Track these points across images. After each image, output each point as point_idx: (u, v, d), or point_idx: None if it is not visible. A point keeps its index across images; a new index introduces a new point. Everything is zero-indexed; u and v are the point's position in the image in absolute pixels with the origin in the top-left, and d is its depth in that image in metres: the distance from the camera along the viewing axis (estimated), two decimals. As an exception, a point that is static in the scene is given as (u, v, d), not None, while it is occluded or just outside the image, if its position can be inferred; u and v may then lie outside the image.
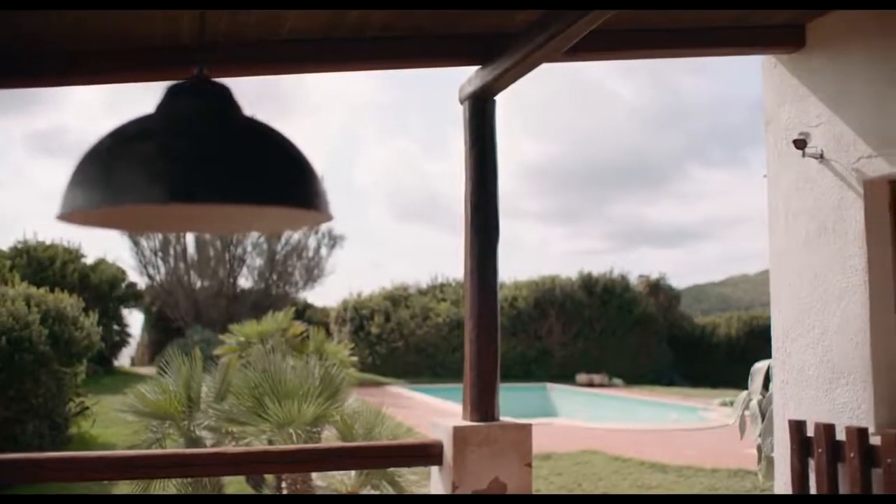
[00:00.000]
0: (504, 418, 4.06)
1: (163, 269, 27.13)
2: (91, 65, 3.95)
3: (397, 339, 27.63)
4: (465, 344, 4.14)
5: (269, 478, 6.67)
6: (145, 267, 27.01)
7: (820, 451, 4.57)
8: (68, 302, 11.16)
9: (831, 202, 4.79)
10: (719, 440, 12.11)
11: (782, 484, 4.99)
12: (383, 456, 4.39)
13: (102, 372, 19.83)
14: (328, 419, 6.11)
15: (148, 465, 3.85)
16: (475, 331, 4.08)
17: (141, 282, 26.74)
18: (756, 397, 6.25)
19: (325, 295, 52.08)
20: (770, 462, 5.63)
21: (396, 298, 28.99)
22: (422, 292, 29.82)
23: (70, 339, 10.54)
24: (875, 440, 4.31)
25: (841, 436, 4.48)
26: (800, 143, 4.91)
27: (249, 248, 28.04)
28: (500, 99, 4.22)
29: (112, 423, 10.65)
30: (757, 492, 8.09)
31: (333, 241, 29.34)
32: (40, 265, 21.01)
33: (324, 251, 29.18)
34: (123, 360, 26.20)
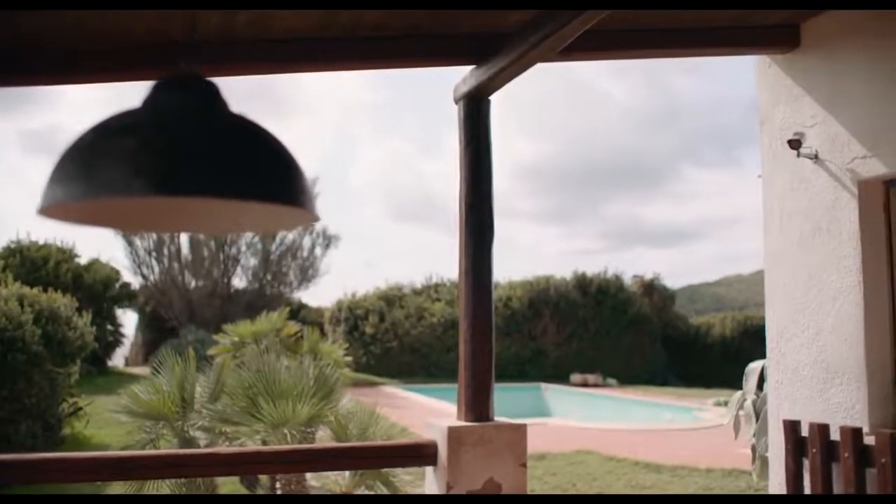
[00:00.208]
0: (499, 418, 4.05)
1: (157, 269, 27.11)
2: (86, 64, 3.94)
3: (392, 339, 27.62)
4: (460, 344, 4.13)
5: (264, 478, 6.66)
6: (139, 267, 26.99)
7: (814, 450, 4.57)
8: (62, 302, 11.14)
9: (826, 202, 4.80)
10: (714, 440, 12.12)
11: (777, 484, 4.99)
12: (378, 456, 4.38)
13: (96, 372, 19.80)
14: (322, 419, 6.11)
15: (141, 465, 3.83)
16: (470, 331, 4.07)
17: (135, 282, 26.75)
18: (750, 397, 6.25)
19: (319, 295, 52.03)
20: (764, 462, 5.64)
21: (391, 298, 29.00)
22: (416, 292, 29.83)
23: (63, 339, 10.52)
24: (869, 440, 4.31)
25: (835, 436, 4.49)
26: (794, 144, 4.91)
27: (244, 248, 28.05)
28: (495, 99, 4.22)
29: (105, 423, 10.62)
30: (751, 492, 8.10)
31: (328, 241, 29.36)
32: (34, 265, 20.96)
33: (318, 251, 29.20)
34: (117, 360, 26.15)
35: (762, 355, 5.65)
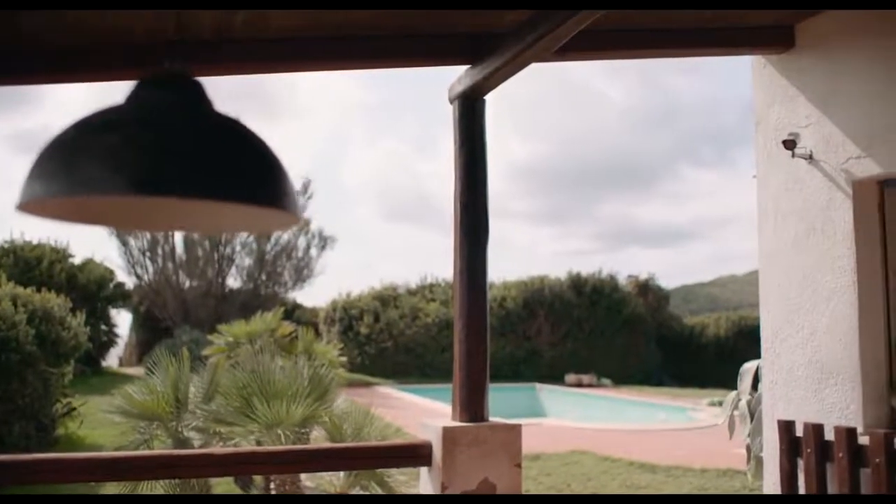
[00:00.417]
0: (493, 419, 4.04)
1: (151, 269, 27.04)
2: (86, 63, 3.93)
3: (386, 339, 27.62)
4: (455, 344, 4.12)
5: (258, 478, 6.65)
6: (133, 267, 26.91)
7: (809, 451, 4.57)
8: (55, 302, 11.11)
9: (820, 203, 4.80)
10: (708, 440, 12.14)
11: (771, 484, 5.00)
12: (372, 457, 4.37)
13: (90, 372, 19.74)
14: (317, 420, 6.09)
15: (135, 466, 3.81)
16: (464, 331, 4.06)
17: (129, 282, 26.68)
18: (745, 397, 6.26)
19: (314, 295, 52.06)
20: (759, 462, 5.64)
21: (385, 298, 28.99)
22: (411, 292, 29.83)
23: (57, 339, 10.49)
24: (863, 440, 4.32)
25: (830, 436, 4.49)
26: (789, 144, 4.92)
27: (238, 248, 27.99)
28: (490, 99, 4.21)
29: (99, 423, 10.58)
30: (746, 492, 8.10)
31: (324, 242, 29.32)
32: (27, 265, 20.89)
33: (314, 252, 29.16)
34: (111, 360, 26.08)
35: (756, 355, 5.66)
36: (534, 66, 3.92)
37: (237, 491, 7.34)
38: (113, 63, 3.92)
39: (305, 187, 28.54)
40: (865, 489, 4.27)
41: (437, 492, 3.80)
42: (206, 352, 11.36)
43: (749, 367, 6.36)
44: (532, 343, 28.01)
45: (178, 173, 1.14)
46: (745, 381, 6.33)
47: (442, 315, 27.29)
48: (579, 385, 24.17)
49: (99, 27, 3.69)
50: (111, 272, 24.79)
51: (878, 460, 4.16)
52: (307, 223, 28.77)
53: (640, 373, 27.68)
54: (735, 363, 7.14)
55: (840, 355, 4.62)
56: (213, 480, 6.38)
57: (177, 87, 1.30)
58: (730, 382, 7.06)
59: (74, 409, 11.51)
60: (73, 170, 1.13)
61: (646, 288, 31.41)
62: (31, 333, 9.77)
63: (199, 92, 1.33)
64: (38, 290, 11.26)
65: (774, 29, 4.97)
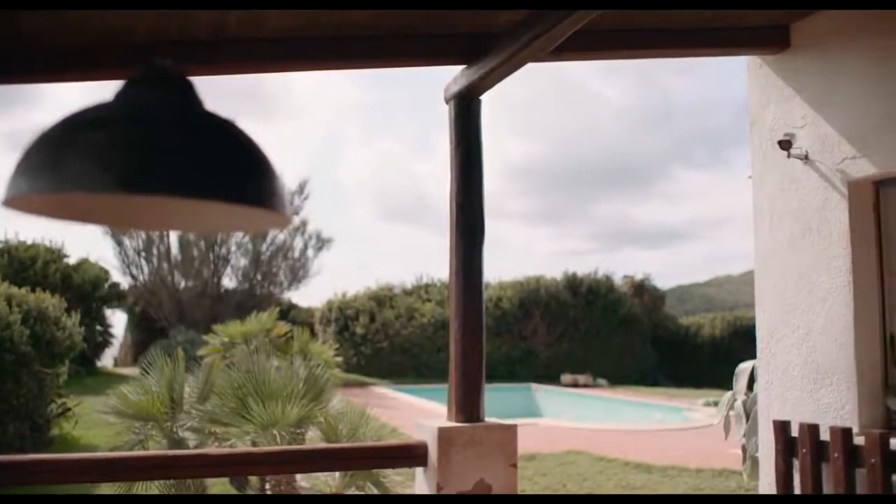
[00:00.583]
0: (489, 419, 4.04)
1: (146, 269, 26.99)
2: (82, 63, 3.92)
3: (382, 339, 27.59)
4: (450, 344, 4.12)
5: (253, 479, 6.64)
6: (128, 267, 26.86)
7: (804, 451, 4.57)
8: (50, 302, 11.08)
9: (816, 203, 4.81)
10: (704, 440, 12.14)
11: (767, 484, 5.00)
12: (368, 457, 4.36)
13: (85, 373, 19.70)
14: (312, 420, 6.09)
15: (130, 467, 3.80)
16: (460, 331, 4.06)
17: (124, 282, 26.62)
18: (741, 397, 6.26)
19: (309, 295, 52.07)
20: (755, 462, 5.65)
21: (381, 299, 28.97)
22: (407, 292, 29.82)
23: (52, 339, 10.46)
24: (859, 440, 4.32)
25: (825, 436, 4.49)
26: (785, 144, 4.92)
27: (234, 249, 27.97)
28: (486, 99, 4.21)
29: (94, 424, 10.55)
30: (741, 492, 8.11)
31: (321, 243, 29.30)
32: (22, 265, 20.85)
33: (310, 252, 29.13)
34: (106, 360, 26.03)
35: (752, 356, 5.66)
36: (530, 66, 3.92)
37: (232, 491, 7.33)
38: (113, 63, 3.91)
39: (302, 187, 28.53)
40: (861, 489, 4.28)
41: (433, 492, 3.79)
42: (201, 352, 11.35)
43: (745, 367, 6.36)
44: (528, 343, 28.01)
45: (165, 171, 1.13)
46: (740, 382, 6.33)
47: (438, 315, 27.27)
48: (575, 385, 24.18)
49: (99, 27, 3.69)
50: (106, 272, 24.75)
51: (873, 461, 4.16)
52: (304, 224, 28.77)
53: (635, 373, 27.68)
54: (731, 363, 7.14)
55: (835, 355, 4.63)
56: (209, 481, 6.37)
57: (166, 85, 1.29)
58: (725, 383, 7.06)
59: (69, 409, 11.48)
60: (60, 166, 1.13)
61: (641, 288, 31.43)
62: (26, 334, 9.74)
63: (189, 90, 1.32)
64: (33, 290, 11.23)
65: (770, 29, 4.97)
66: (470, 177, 4.13)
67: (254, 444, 5.79)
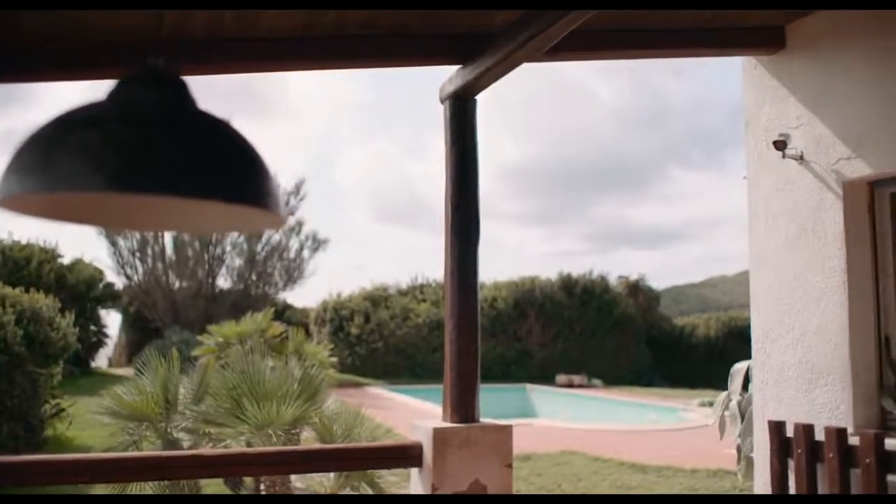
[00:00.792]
0: (484, 419, 4.03)
1: (141, 270, 26.95)
2: (82, 62, 3.91)
3: (377, 339, 27.59)
4: (446, 344, 4.11)
5: (248, 480, 6.62)
6: (123, 267, 26.82)
7: (799, 451, 4.58)
8: (44, 302, 11.05)
9: (811, 203, 4.81)
10: (699, 440, 12.15)
11: (762, 484, 5.00)
12: (362, 458, 4.36)
13: (79, 373, 19.64)
14: (307, 420, 6.08)
15: (124, 467, 3.79)
16: (455, 331, 4.05)
17: (118, 282, 26.58)
18: (736, 398, 6.26)
19: (304, 296, 52.06)
20: (749, 462, 5.65)
21: (376, 299, 28.97)
22: (402, 293, 29.82)
23: (46, 339, 10.44)
24: (854, 440, 4.33)
25: (820, 436, 4.50)
26: (780, 145, 4.92)
27: (229, 249, 27.93)
28: (481, 99, 4.21)
29: (88, 424, 10.54)
30: (736, 492, 8.12)
31: (317, 244, 29.26)
32: (16, 265, 20.78)
33: (306, 253, 29.11)
34: (100, 360, 25.97)
35: (746, 356, 5.66)
36: (525, 66, 3.91)
37: (227, 491, 7.31)
38: (113, 62, 3.89)
39: (298, 188, 28.51)
40: (855, 489, 4.28)
41: (428, 493, 3.78)
42: (195, 352, 11.31)
43: (740, 367, 6.36)
44: (523, 343, 28.03)
45: (157, 171, 1.12)
46: (735, 382, 6.33)
47: (433, 315, 27.28)
48: (570, 385, 24.20)
49: (99, 26, 3.67)
50: (100, 272, 24.69)
51: (868, 461, 4.17)
52: (300, 224, 28.74)
53: (630, 373, 27.72)
54: (725, 364, 7.14)
55: (830, 356, 4.63)
56: (203, 482, 6.36)
57: (158, 85, 1.28)
58: (720, 383, 7.07)
59: (63, 410, 11.45)
60: (52, 166, 1.12)
61: (636, 288, 31.49)
62: (20, 334, 9.72)
63: (182, 89, 1.31)
64: (27, 291, 11.20)
65: (765, 30, 4.97)
66: (465, 177, 4.12)
67: (248, 444, 5.78)
